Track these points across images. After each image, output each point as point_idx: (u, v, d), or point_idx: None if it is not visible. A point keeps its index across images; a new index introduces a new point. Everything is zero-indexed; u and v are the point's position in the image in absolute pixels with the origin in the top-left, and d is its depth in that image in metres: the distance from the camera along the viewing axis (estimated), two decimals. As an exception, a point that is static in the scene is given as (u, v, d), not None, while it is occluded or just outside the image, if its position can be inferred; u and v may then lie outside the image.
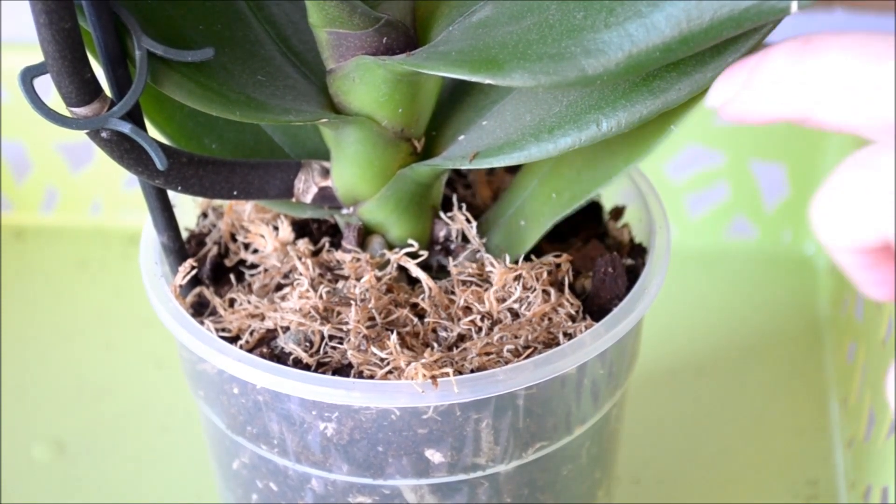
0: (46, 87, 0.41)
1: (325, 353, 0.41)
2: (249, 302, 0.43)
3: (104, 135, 0.38)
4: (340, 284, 0.43)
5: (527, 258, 0.44)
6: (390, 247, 0.44)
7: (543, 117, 0.38)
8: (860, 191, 0.29)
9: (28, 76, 0.36)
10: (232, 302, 0.44)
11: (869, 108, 0.29)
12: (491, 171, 0.49)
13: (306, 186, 0.43)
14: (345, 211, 0.44)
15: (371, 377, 0.40)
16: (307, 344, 0.41)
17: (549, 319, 0.42)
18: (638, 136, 0.38)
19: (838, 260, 0.31)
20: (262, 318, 0.43)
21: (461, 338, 0.42)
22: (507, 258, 0.43)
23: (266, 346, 0.42)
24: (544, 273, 0.43)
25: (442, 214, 0.44)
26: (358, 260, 0.43)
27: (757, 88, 0.31)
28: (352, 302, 0.42)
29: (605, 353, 0.42)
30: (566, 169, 0.42)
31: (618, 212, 0.49)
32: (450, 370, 0.39)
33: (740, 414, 0.63)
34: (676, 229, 0.71)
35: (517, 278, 0.42)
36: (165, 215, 0.43)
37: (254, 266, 0.46)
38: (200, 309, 0.44)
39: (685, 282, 0.69)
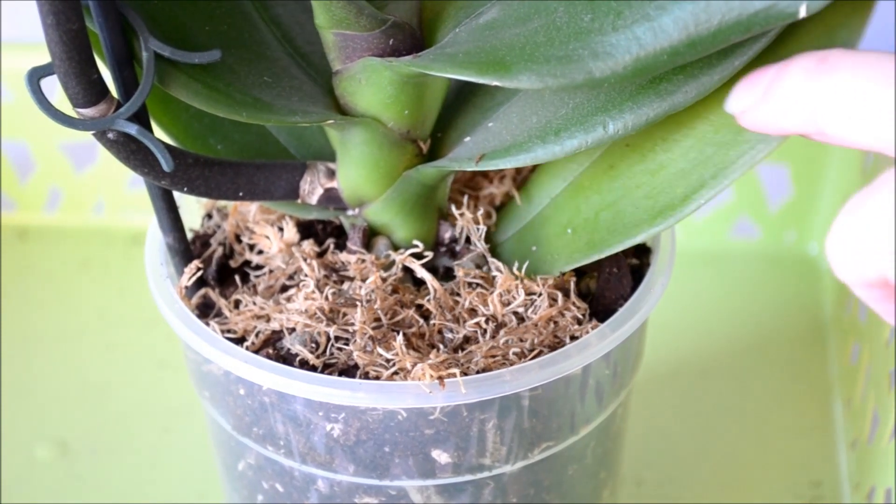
0: (52, 88, 0.41)
1: (331, 354, 0.41)
2: (255, 303, 0.43)
3: (110, 136, 0.38)
4: (346, 285, 0.43)
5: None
6: (395, 248, 0.44)
7: (550, 119, 0.38)
8: (859, 232, 0.30)
9: (35, 77, 0.36)
10: (237, 303, 0.44)
11: (876, 129, 0.29)
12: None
13: (312, 187, 0.43)
14: (350, 212, 0.44)
15: (377, 378, 0.40)
16: (313, 345, 0.41)
17: (555, 323, 0.42)
18: (658, 198, 0.39)
19: (856, 294, 0.32)
20: (268, 320, 0.43)
21: (467, 339, 0.42)
22: (517, 264, 0.43)
23: (272, 348, 0.42)
24: (550, 279, 0.43)
25: (453, 209, 0.44)
26: (363, 261, 0.43)
27: (773, 102, 0.32)
28: (357, 303, 0.42)
29: (610, 353, 0.42)
30: (582, 202, 0.42)
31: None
32: (456, 371, 0.39)
33: (744, 414, 0.63)
34: (680, 229, 0.71)
35: (522, 283, 0.42)
36: (171, 216, 0.43)
37: (259, 267, 0.46)
38: (206, 310, 0.44)
39: (689, 282, 0.69)
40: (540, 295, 0.42)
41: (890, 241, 0.29)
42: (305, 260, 0.44)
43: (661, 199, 0.39)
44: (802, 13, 0.30)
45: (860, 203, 0.30)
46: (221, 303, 0.44)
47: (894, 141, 0.29)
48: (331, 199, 0.43)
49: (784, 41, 0.35)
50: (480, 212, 0.44)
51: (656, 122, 0.36)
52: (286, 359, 0.41)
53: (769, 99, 0.33)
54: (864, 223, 0.29)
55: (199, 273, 0.44)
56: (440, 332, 0.42)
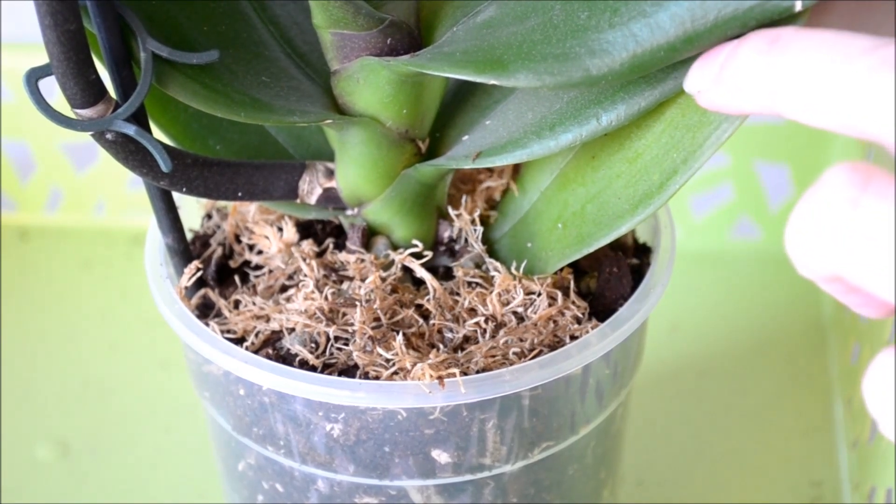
0: (51, 88, 0.41)
1: (331, 354, 0.41)
2: (254, 303, 0.43)
3: (109, 136, 0.38)
4: (345, 285, 0.43)
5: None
6: (395, 247, 0.44)
7: (545, 114, 0.38)
8: (806, 230, 0.29)
9: (33, 78, 0.36)
10: (237, 303, 0.44)
11: (828, 108, 0.28)
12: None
13: (311, 187, 0.43)
14: (349, 212, 0.44)
15: (377, 378, 0.40)
16: (313, 345, 0.41)
17: (555, 323, 0.42)
18: (637, 186, 0.39)
19: (821, 288, 0.31)
20: (268, 320, 0.43)
21: (466, 339, 0.42)
22: (515, 263, 0.43)
23: (272, 348, 0.42)
24: (549, 278, 0.43)
25: (451, 210, 0.44)
26: (362, 261, 0.43)
27: (727, 83, 0.32)
28: (357, 303, 0.42)
29: (610, 353, 0.42)
30: (569, 195, 0.42)
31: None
32: (456, 371, 0.39)
33: (744, 415, 0.63)
34: (681, 230, 0.71)
35: (520, 282, 0.42)
36: (170, 217, 0.43)
37: (258, 267, 0.46)
38: (205, 310, 0.44)
39: (689, 282, 0.69)
40: (539, 294, 0.42)
41: (833, 240, 0.28)
42: (305, 260, 0.44)
43: (640, 187, 0.39)
44: (798, 7, 0.30)
45: (804, 202, 0.29)
46: (221, 303, 0.44)
47: (847, 121, 0.28)
48: (330, 198, 0.43)
49: None
50: (478, 212, 0.44)
51: (648, 110, 0.36)
52: (286, 359, 0.41)
53: (723, 80, 0.32)
54: (809, 222, 0.28)
55: (199, 273, 0.44)
56: (440, 331, 0.42)
